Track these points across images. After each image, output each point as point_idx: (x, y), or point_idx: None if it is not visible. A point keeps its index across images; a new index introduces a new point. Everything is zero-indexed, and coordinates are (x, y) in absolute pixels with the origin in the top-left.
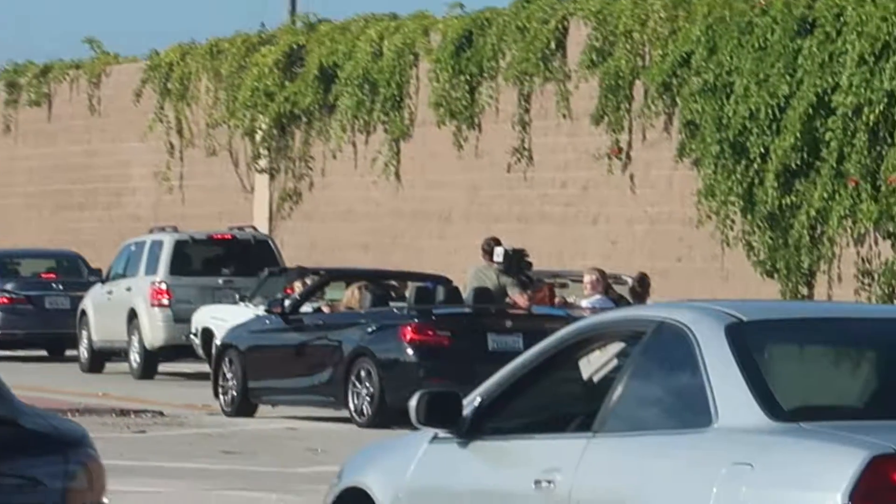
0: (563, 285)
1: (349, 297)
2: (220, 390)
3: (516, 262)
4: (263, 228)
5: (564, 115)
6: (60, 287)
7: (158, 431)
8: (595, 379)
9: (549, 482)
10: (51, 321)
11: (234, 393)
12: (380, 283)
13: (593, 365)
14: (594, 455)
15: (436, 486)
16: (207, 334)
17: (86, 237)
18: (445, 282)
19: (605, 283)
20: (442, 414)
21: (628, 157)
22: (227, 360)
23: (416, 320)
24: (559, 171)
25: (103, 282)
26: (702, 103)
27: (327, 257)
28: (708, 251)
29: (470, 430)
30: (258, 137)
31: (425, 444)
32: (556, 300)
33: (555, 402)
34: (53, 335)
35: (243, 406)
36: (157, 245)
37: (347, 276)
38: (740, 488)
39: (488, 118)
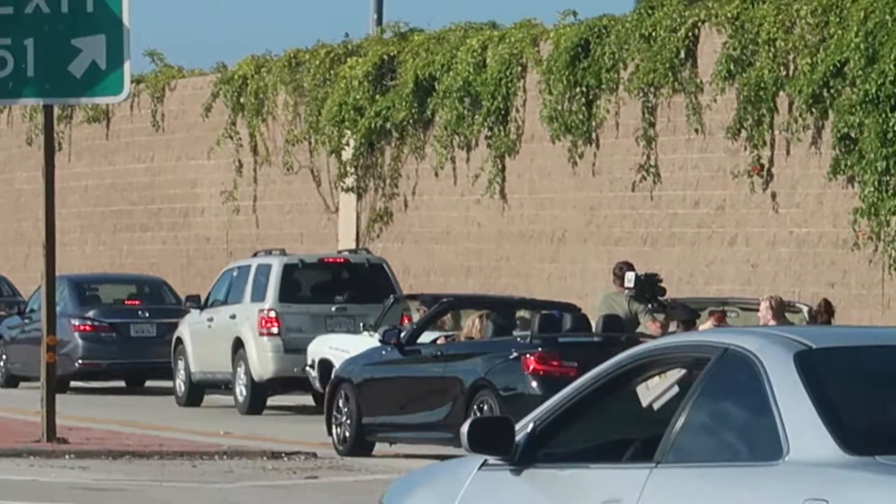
0: (724, 314)
1: (469, 326)
2: (333, 427)
3: (649, 288)
4: None
5: (697, 130)
6: (146, 314)
7: (330, 477)
8: (655, 406)
9: None
10: (136, 350)
11: (349, 429)
12: (502, 312)
13: (653, 392)
14: (657, 486)
15: None
16: (326, 366)
17: (150, 260)
18: (573, 309)
19: (782, 312)
20: (494, 440)
21: (770, 174)
22: (340, 394)
23: (540, 350)
24: (690, 189)
25: (201, 309)
26: (861, 116)
27: (422, 282)
28: (866, 276)
29: (522, 458)
30: (345, 154)
31: (474, 471)
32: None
33: (612, 430)
34: (139, 365)
35: (358, 443)
36: (263, 269)
37: (469, 304)
38: None
39: (607, 133)
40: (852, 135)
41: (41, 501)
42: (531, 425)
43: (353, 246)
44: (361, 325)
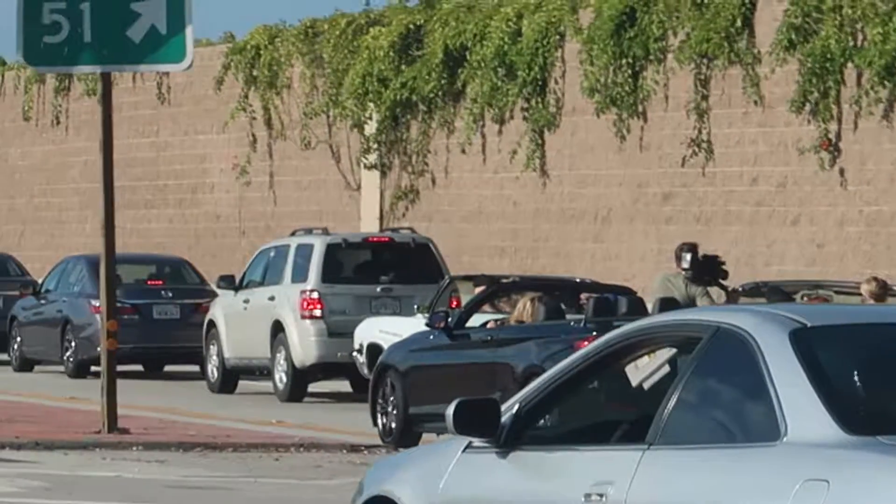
0: (826, 298)
1: (521, 309)
2: (378, 416)
3: (708, 270)
4: (373, 229)
5: (756, 102)
6: (169, 295)
7: None
8: (645, 386)
9: (600, 496)
10: (160, 334)
11: (395, 419)
12: (554, 295)
13: (642, 371)
14: (650, 468)
15: (472, 496)
16: (375, 351)
17: (156, 238)
18: (628, 292)
19: (885, 295)
20: (479, 422)
21: (837, 149)
22: (385, 382)
23: (594, 334)
24: (747, 166)
25: (236, 290)
26: None
27: (452, 264)
28: None
29: (507, 440)
30: (368, 129)
31: (458, 453)
32: None
33: (600, 411)
34: (163, 350)
35: (405, 434)
36: (304, 249)
37: (520, 287)
38: None
39: (655, 106)
40: None
41: (144, 502)
42: (517, 406)
43: (377, 225)
44: (415, 306)
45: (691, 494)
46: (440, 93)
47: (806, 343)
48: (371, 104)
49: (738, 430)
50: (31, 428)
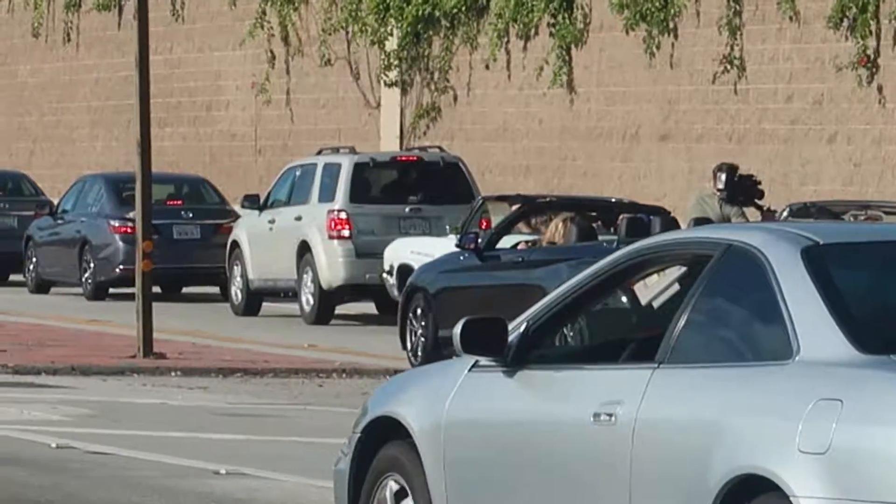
0: (876, 218)
1: (552, 230)
2: (408, 339)
3: (743, 190)
4: (393, 148)
5: (791, 18)
6: (189, 215)
7: None
8: (655, 305)
9: (609, 415)
10: (181, 254)
11: (424, 341)
12: (587, 215)
13: (651, 290)
14: (660, 387)
15: (479, 415)
16: (406, 272)
17: (168, 157)
18: (663, 213)
19: None
20: (486, 341)
21: (876, 65)
22: (414, 304)
23: None
24: (782, 83)
25: (260, 210)
26: None
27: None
28: None
29: (514, 359)
30: (389, 45)
31: (465, 372)
32: None
33: (609, 330)
34: (184, 270)
35: (434, 356)
36: (332, 168)
37: (553, 207)
38: (830, 425)
39: (686, 22)
40: None
41: (195, 431)
42: (524, 325)
43: (398, 144)
44: (447, 227)
45: (702, 413)
46: (463, 8)
47: (818, 261)
48: (392, 20)
49: (750, 349)
50: (62, 352)
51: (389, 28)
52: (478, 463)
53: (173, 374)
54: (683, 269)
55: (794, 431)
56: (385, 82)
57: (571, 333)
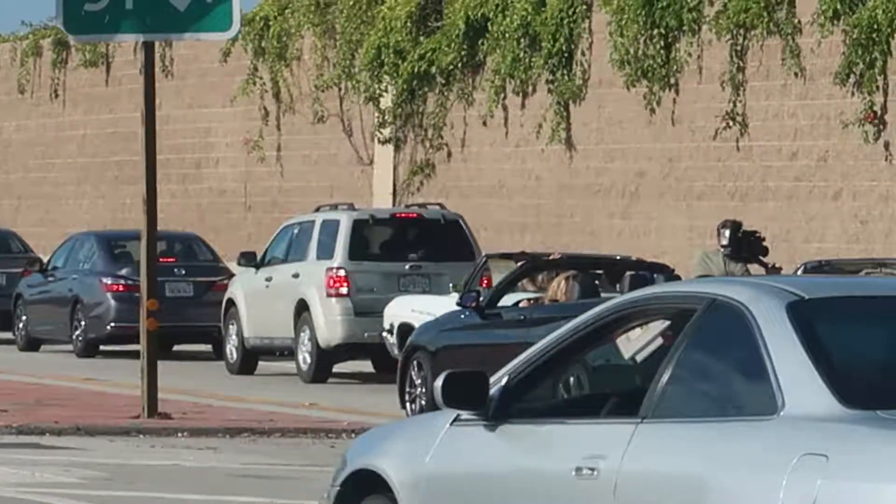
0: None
1: (555, 288)
2: (407, 398)
3: (747, 246)
4: (386, 205)
5: (796, 74)
6: (182, 272)
7: None
8: (637, 359)
9: (591, 469)
10: (173, 312)
11: (424, 402)
12: (589, 272)
13: (634, 344)
14: (644, 442)
15: (460, 470)
16: (406, 331)
17: (159, 214)
18: (667, 270)
19: None
20: (467, 395)
21: (883, 122)
22: (415, 363)
23: None
24: (787, 140)
25: (257, 268)
26: None
27: None
28: None
29: (496, 413)
30: (383, 102)
31: (447, 426)
32: None
33: (591, 384)
34: (177, 329)
35: None
36: (330, 225)
37: (556, 264)
38: (815, 480)
39: (688, 78)
40: None
41: (215, 494)
42: (505, 379)
43: (391, 201)
44: (450, 285)
45: (686, 468)
46: (459, 64)
47: (804, 315)
48: (387, 77)
49: (734, 404)
50: (64, 412)
51: (384, 85)
52: None
53: (180, 434)
54: (666, 323)
55: (779, 486)
56: (379, 139)
57: (553, 388)
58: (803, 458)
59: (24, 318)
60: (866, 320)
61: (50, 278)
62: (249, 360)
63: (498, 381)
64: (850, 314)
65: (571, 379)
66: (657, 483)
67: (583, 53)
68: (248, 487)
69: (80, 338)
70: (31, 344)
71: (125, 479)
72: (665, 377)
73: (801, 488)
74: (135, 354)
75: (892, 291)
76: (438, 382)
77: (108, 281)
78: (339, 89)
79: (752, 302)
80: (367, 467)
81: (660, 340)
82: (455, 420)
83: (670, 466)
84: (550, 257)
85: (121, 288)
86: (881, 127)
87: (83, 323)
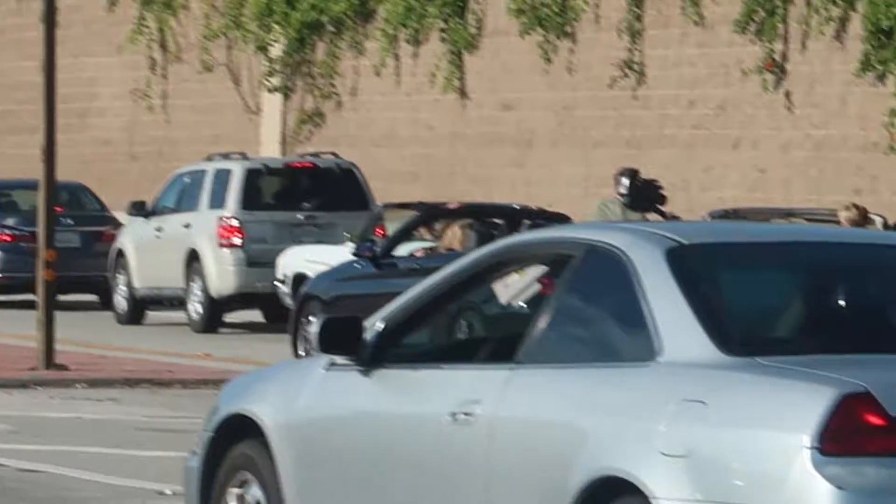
0: None
1: (450, 237)
2: (300, 348)
3: (646, 195)
4: (274, 154)
5: (696, 23)
6: (70, 222)
7: None
8: (514, 304)
9: (466, 414)
10: (61, 262)
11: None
12: (486, 221)
13: (511, 289)
14: (520, 387)
15: (333, 414)
16: (300, 280)
17: (40, 164)
18: (565, 220)
19: (865, 224)
20: (342, 340)
21: (783, 70)
22: (308, 313)
23: None
24: (684, 89)
25: (147, 216)
26: None
27: None
28: None
29: (371, 358)
30: (273, 52)
31: (321, 371)
32: None
33: (467, 329)
34: (65, 279)
35: None
36: (222, 174)
37: (455, 214)
38: (692, 427)
39: (585, 26)
40: (885, 27)
41: (122, 447)
42: (381, 325)
43: (278, 150)
44: (345, 235)
45: (561, 413)
46: (350, 13)
47: (682, 261)
48: (276, 26)
49: (612, 349)
50: None
51: (274, 34)
52: (332, 461)
53: (78, 385)
54: (544, 268)
55: (655, 433)
56: (267, 88)
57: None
58: (681, 404)
59: None
60: (746, 267)
61: None
62: (138, 309)
63: (373, 326)
64: (730, 260)
65: (465, 325)
66: (534, 429)
67: (477, 2)
68: (156, 441)
69: None
70: None
71: (31, 433)
72: (542, 322)
73: (678, 435)
74: (20, 305)
75: (772, 238)
76: (314, 328)
77: None
78: (227, 38)
79: (629, 247)
80: (239, 412)
81: (537, 286)
82: (330, 365)
83: (547, 412)
84: (449, 206)
85: (6, 238)
86: (781, 75)
87: None
